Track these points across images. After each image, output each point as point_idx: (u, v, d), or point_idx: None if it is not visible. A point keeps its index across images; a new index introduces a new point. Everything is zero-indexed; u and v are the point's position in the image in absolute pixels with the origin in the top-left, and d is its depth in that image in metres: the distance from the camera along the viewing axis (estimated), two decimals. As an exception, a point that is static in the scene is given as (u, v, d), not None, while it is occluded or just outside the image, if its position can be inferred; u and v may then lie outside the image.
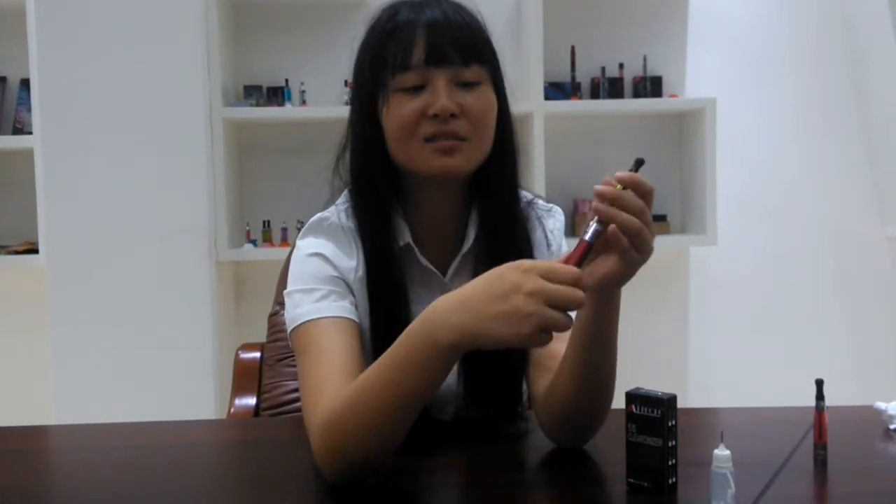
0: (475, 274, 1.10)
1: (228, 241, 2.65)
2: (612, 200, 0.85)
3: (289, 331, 1.07)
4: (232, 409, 1.48)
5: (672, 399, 0.86)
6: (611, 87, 2.90)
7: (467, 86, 1.06)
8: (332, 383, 0.96)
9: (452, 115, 1.04)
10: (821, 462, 0.94)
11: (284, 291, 1.10)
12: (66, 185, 2.50)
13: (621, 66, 2.92)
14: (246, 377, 1.53)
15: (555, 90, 2.86)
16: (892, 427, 1.08)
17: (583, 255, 0.86)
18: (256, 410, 1.47)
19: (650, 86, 2.92)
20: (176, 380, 2.51)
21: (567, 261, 0.85)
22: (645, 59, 2.93)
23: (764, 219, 3.05)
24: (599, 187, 0.86)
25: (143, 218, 2.51)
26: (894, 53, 2.83)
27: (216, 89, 2.63)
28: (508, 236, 1.11)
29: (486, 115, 1.07)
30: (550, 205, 1.22)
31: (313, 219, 1.15)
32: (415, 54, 1.04)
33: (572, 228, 2.80)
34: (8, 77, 2.87)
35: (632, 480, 0.88)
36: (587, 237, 0.86)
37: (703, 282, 3.07)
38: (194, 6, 2.53)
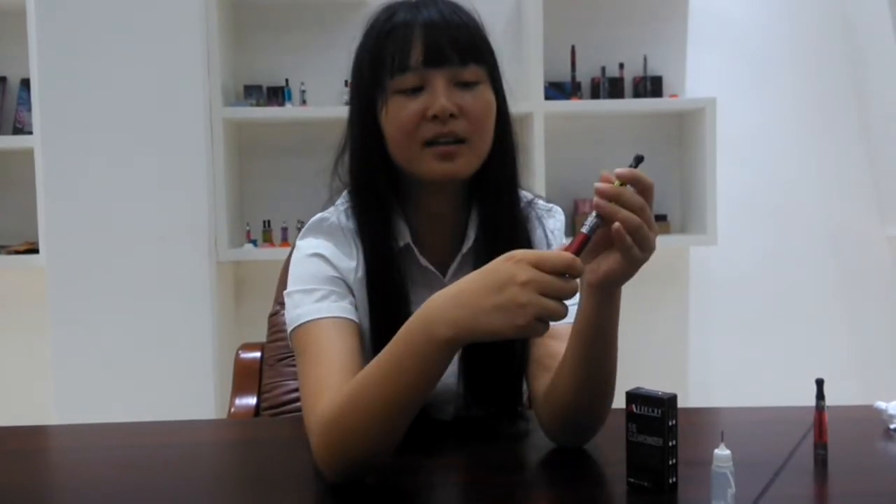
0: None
1: (228, 241, 2.65)
2: (612, 197, 0.85)
3: (289, 331, 1.07)
4: (232, 409, 1.48)
5: (672, 399, 0.86)
6: (611, 87, 2.90)
7: (466, 86, 1.05)
8: (333, 383, 0.96)
9: (452, 116, 1.04)
10: (821, 462, 0.94)
11: (284, 292, 1.10)
12: (66, 185, 2.50)
13: (621, 65, 2.92)
14: (246, 377, 1.53)
15: (555, 90, 2.86)
16: (892, 427, 1.08)
17: (580, 247, 0.85)
18: (257, 410, 1.47)
19: (650, 86, 2.92)
20: (176, 380, 2.51)
21: (564, 251, 0.85)
22: (645, 59, 2.93)
23: (764, 219, 3.05)
24: (599, 185, 0.86)
25: (143, 218, 2.51)
26: (894, 53, 2.83)
27: (216, 89, 2.63)
28: (508, 236, 1.11)
29: (486, 115, 1.07)
30: (550, 205, 1.22)
31: (313, 219, 1.15)
32: (413, 55, 1.04)
33: (572, 228, 2.80)
34: (8, 77, 2.87)
35: (632, 480, 0.88)
36: (585, 229, 0.86)
37: (703, 281, 3.07)
38: (194, 6, 2.53)
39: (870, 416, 1.11)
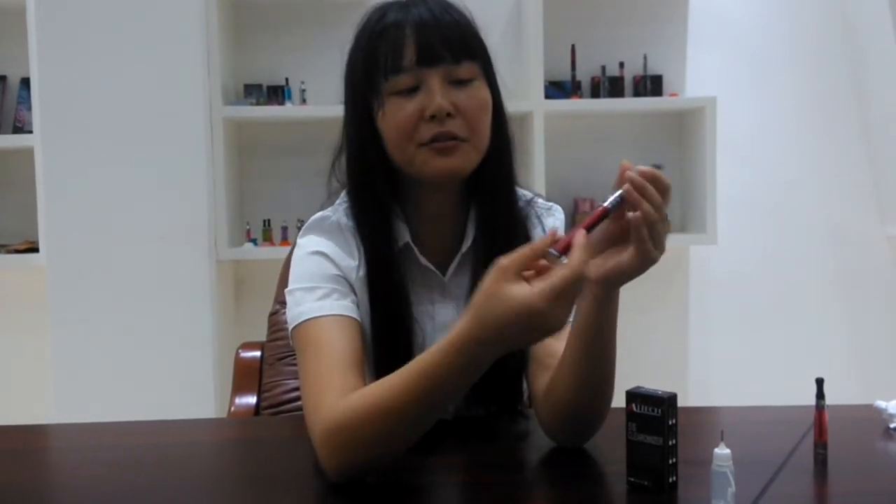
0: (475, 273, 1.10)
1: (228, 241, 2.64)
2: (638, 188, 0.86)
3: (290, 328, 1.07)
4: (232, 409, 1.48)
5: (672, 398, 0.86)
6: (611, 86, 2.90)
7: (461, 83, 1.05)
8: (335, 381, 0.96)
9: (448, 115, 1.03)
10: (821, 461, 0.94)
11: (286, 290, 1.10)
12: (66, 185, 2.50)
13: (622, 65, 2.92)
14: (246, 376, 1.53)
15: (555, 89, 2.86)
16: (892, 426, 1.08)
17: (598, 219, 0.87)
18: (257, 409, 1.48)
19: (650, 85, 2.92)
20: (176, 379, 2.51)
21: (583, 223, 0.86)
22: (645, 59, 2.93)
23: (764, 218, 3.05)
24: (631, 173, 0.87)
25: (143, 218, 2.51)
26: (894, 53, 2.83)
27: (216, 88, 2.63)
28: (507, 235, 1.11)
29: (482, 111, 1.07)
30: (550, 203, 1.22)
31: (314, 217, 1.15)
32: (406, 56, 1.03)
33: (572, 227, 2.79)
34: (8, 77, 2.87)
35: (632, 479, 0.88)
36: (607, 203, 0.87)
37: (703, 281, 3.07)
38: (194, 6, 2.53)
39: (870, 416, 1.11)
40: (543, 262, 0.83)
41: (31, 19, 2.53)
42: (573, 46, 2.88)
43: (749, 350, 3.04)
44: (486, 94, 1.08)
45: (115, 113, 2.49)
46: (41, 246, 2.60)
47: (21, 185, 2.76)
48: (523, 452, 1.10)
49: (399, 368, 0.89)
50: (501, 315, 0.80)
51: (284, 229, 2.83)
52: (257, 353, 1.56)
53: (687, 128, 2.95)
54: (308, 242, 1.12)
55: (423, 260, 1.13)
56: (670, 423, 0.86)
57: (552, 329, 0.81)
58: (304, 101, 2.80)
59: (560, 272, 0.80)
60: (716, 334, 3.07)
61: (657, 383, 0.90)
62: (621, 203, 0.87)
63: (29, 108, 2.79)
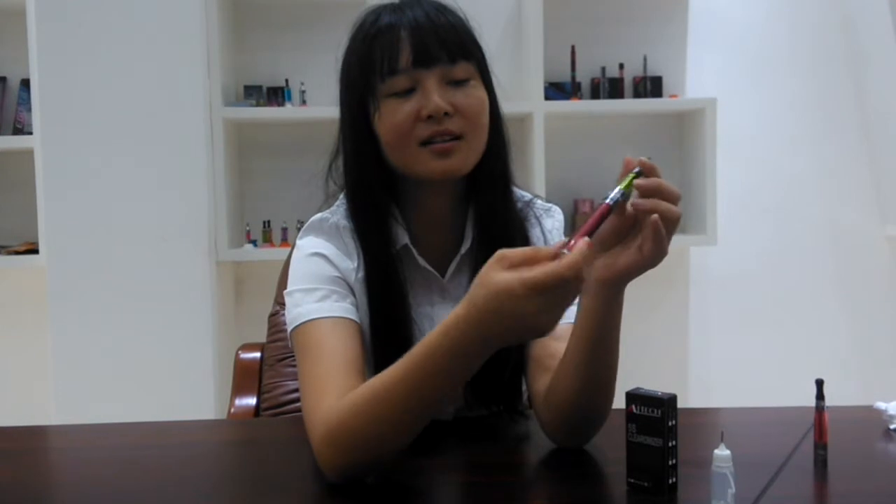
0: (474, 274, 1.10)
1: (228, 241, 2.64)
2: (652, 189, 0.87)
3: (289, 330, 1.07)
4: (232, 409, 1.48)
5: (672, 399, 0.86)
6: (611, 87, 2.90)
7: (457, 83, 1.05)
8: (334, 382, 0.96)
9: (446, 115, 1.03)
10: (821, 462, 0.94)
11: (285, 291, 1.10)
12: (66, 185, 2.50)
13: (621, 66, 2.92)
14: (246, 377, 1.53)
15: (555, 90, 2.86)
16: (892, 427, 1.08)
17: (601, 218, 0.86)
18: (256, 410, 1.48)
19: (650, 86, 2.92)
20: (176, 380, 2.51)
21: (586, 224, 0.85)
22: (645, 59, 2.93)
23: (764, 218, 3.05)
24: (642, 181, 0.87)
25: (143, 218, 2.51)
26: (895, 53, 2.83)
27: (216, 89, 2.63)
28: (505, 235, 1.11)
29: (479, 111, 1.07)
30: (549, 204, 1.22)
31: (313, 219, 1.15)
32: (402, 57, 1.03)
33: (572, 228, 2.80)
34: (8, 77, 2.87)
35: (632, 480, 0.88)
36: (608, 200, 0.87)
37: (703, 281, 3.07)
38: (194, 6, 2.53)
39: (870, 416, 1.11)
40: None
41: (31, 20, 2.53)
42: (573, 47, 2.88)
43: (749, 350, 3.04)
44: (482, 93, 1.08)
45: (114, 113, 2.49)
46: (41, 247, 2.60)
47: (21, 186, 2.76)
48: (523, 453, 1.10)
49: None
50: (485, 296, 0.80)
51: (284, 230, 2.83)
52: (257, 354, 1.56)
53: (687, 129, 2.95)
54: (307, 244, 1.12)
55: (421, 261, 1.13)
56: (670, 424, 0.86)
57: (530, 322, 0.79)
58: (303, 102, 2.80)
59: (545, 266, 0.78)
60: (716, 334, 3.07)
61: (657, 384, 0.90)
62: (623, 200, 0.88)
63: (29, 110, 2.79)
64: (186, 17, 2.52)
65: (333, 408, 0.92)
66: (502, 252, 0.81)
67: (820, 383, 0.95)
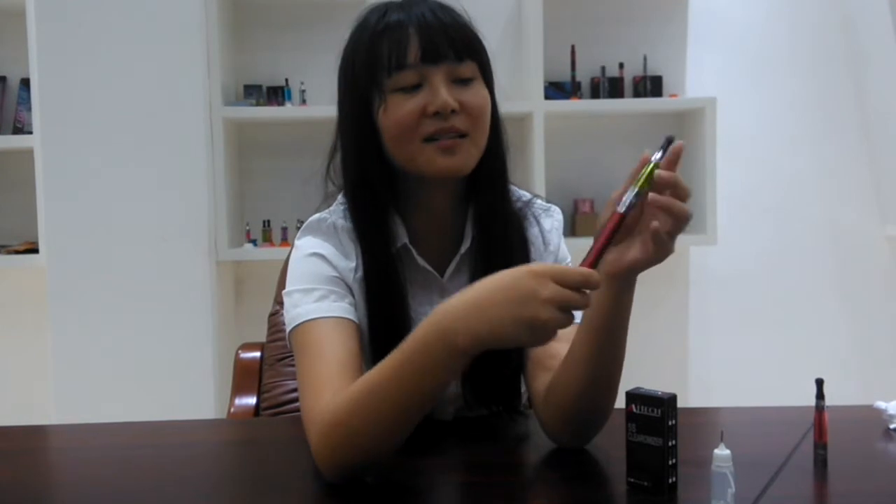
0: (473, 274, 1.11)
1: (228, 241, 2.64)
2: (668, 183, 0.88)
3: (288, 330, 1.07)
4: (232, 409, 1.48)
5: (672, 399, 0.86)
6: (611, 87, 2.90)
7: (463, 82, 1.06)
8: (332, 382, 0.96)
9: (452, 112, 1.04)
10: (821, 462, 0.94)
11: (283, 291, 1.10)
12: (66, 185, 2.49)
13: (621, 65, 2.92)
14: (246, 377, 1.53)
15: (555, 90, 2.86)
16: (892, 427, 1.08)
17: (616, 227, 0.86)
18: (256, 410, 1.48)
19: (650, 85, 2.92)
20: (176, 380, 2.51)
21: (601, 234, 0.86)
22: (645, 59, 2.93)
23: (764, 218, 3.05)
24: (662, 172, 0.89)
25: (143, 218, 2.51)
26: (895, 53, 2.83)
27: (216, 89, 2.63)
28: (503, 235, 1.11)
29: (484, 109, 1.07)
30: (549, 204, 1.22)
31: (312, 219, 1.15)
32: (410, 53, 1.04)
33: (572, 228, 2.80)
34: (8, 77, 2.87)
35: (632, 480, 0.88)
36: (621, 209, 0.87)
37: (703, 281, 3.07)
38: (194, 6, 2.53)
39: (870, 416, 1.11)
40: None
41: (31, 19, 2.53)
42: (573, 47, 2.88)
43: (749, 350, 3.04)
44: (485, 92, 1.09)
45: (114, 113, 2.49)
46: (41, 246, 2.60)
47: (21, 185, 2.76)
48: (523, 453, 1.10)
49: None
50: (490, 281, 0.83)
51: (284, 230, 2.83)
52: (257, 354, 1.56)
53: (687, 128, 2.95)
54: (305, 244, 1.12)
55: (421, 261, 1.13)
56: (670, 423, 0.86)
57: (533, 308, 0.80)
58: (303, 101, 2.80)
59: (569, 267, 0.83)
60: (716, 334, 3.07)
61: (657, 383, 0.90)
62: (637, 202, 0.87)
63: (29, 109, 2.79)
64: (186, 16, 2.52)
65: (329, 405, 0.92)
66: (530, 265, 0.84)
67: (820, 383, 0.95)
